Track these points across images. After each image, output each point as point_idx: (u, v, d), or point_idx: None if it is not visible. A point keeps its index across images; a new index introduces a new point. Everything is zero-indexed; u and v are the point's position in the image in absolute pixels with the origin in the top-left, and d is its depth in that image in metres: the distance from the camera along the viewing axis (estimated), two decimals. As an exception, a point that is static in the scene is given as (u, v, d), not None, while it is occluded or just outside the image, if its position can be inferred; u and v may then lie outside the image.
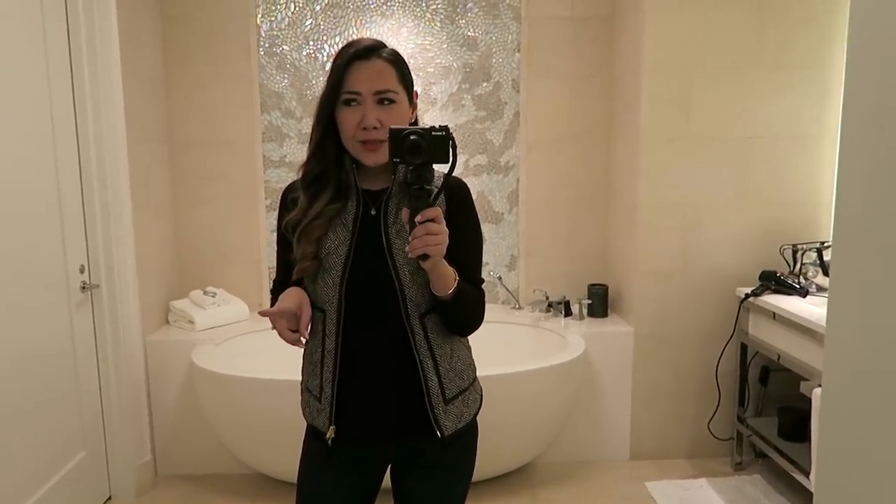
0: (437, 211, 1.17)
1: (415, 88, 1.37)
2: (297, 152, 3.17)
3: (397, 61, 1.31)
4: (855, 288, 0.70)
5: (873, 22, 0.68)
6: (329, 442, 1.33)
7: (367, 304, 1.31)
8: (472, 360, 1.45)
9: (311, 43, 3.11)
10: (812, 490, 2.31)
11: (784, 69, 2.80)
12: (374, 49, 1.29)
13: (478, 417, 1.43)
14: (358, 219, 1.31)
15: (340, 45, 3.08)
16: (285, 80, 3.14)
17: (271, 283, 1.50)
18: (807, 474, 2.37)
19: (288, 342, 1.30)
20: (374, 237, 1.30)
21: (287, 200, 1.39)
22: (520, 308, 3.28)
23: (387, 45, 1.32)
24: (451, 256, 1.22)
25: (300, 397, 1.45)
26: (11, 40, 2.15)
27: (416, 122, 1.36)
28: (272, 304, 1.40)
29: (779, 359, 2.56)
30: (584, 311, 3.13)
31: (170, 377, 2.86)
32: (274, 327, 1.29)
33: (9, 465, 2.11)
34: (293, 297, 1.31)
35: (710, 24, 2.76)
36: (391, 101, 1.29)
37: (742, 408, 2.88)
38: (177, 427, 2.89)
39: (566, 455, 3.00)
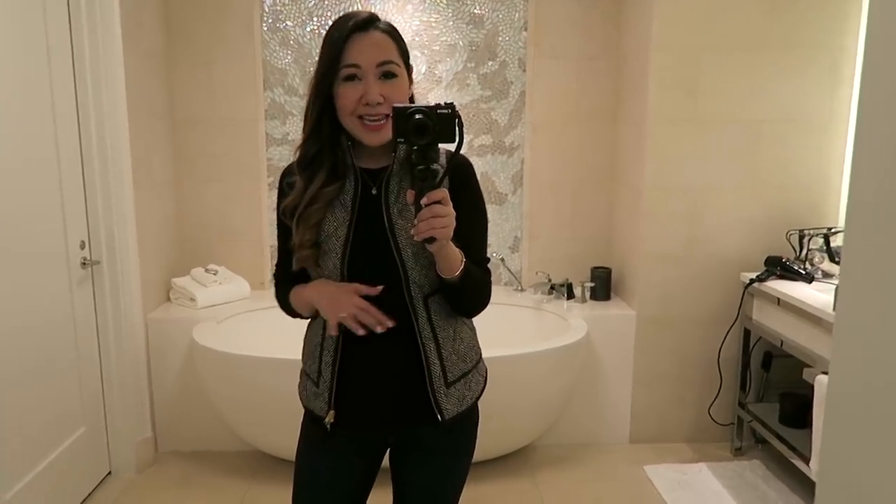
0: (444, 192, 1.14)
1: (410, 62, 1.33)
2: (300, 130, 3.13)
3: (395, 33, 1.28)
4: (867, 275, 0.68)
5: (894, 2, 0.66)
6: (328, 426, 1.32)
7: (368, 286, 1.28)
8: (477, 341, 1.42)
9: (314, 19, 3.07)
10: (812, 477, 2.31)
11: (794, 51, 2.75)
12: (371, 21, 1.24)
13: (479, 399, 1.41)
14: (357, 198, 1.27)
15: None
16: (288, 57, 3.10)
17: (273, 268, 1.47)
18: (807, 461, 2.36)
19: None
20: (375, 217, 1.26)
21: (283, 185, 1.35)
22: (522, 290, 3.26)
23: (380, 16, 1.28)
24: (455, 236, 1.19)
25: (298, 381, 1.43)
26: (10, 15, 2.11)
27: (413, 98, 1.32)
28: (277, 292, 1.41)
29: (782, 345, 2.54)
30: (587, 294, 3.11)
31: (171, 354, 2.86)
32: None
33: (9, 440, 2.11)
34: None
35: (719, 4, 2.70)
36: (393, 75, 1.24)
37: (743, 393, 2.87)
38: (177, 404, 2.90)
39: (566, 438, 3.01)
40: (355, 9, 3.03)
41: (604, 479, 2.76)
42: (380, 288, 1.25)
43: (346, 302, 1.24)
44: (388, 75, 1.24)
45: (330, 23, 3.09)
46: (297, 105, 3.13)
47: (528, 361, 2.64)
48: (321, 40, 1.27)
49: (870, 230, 0.67)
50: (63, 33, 2.39)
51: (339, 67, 1.23)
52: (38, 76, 2.26)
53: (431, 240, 1.15)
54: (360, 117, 1.24)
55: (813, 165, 2.84)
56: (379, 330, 1.24)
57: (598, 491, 2.67)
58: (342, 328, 1.26)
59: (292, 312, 1.40)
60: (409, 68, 1.30)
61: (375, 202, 1.28)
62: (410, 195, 1.15)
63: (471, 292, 1.30)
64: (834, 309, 2.25)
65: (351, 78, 1.23)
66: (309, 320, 1.41)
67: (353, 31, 1.22)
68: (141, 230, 2.75)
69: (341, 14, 1.29)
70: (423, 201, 1.13)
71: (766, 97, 2.79)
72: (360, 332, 1.24)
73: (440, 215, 1.13)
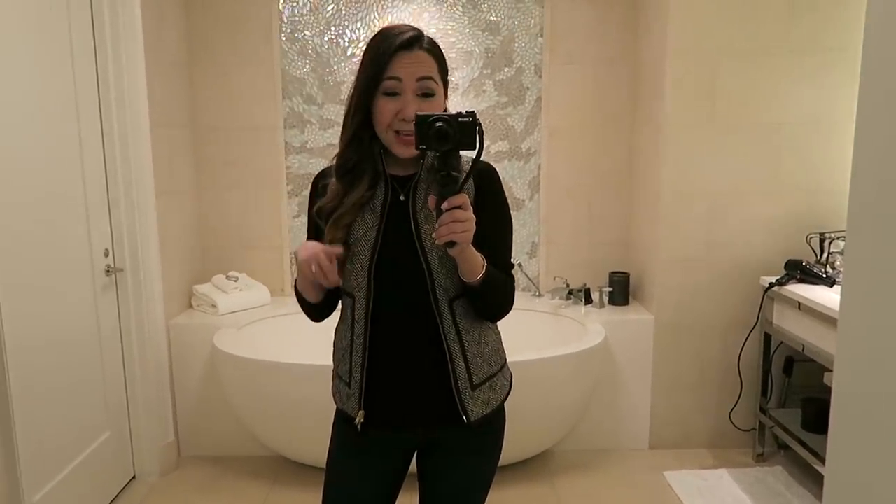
0: (464, 198, 1.16)
1: (448, 77, 1.36)
2: (319, 138, 3.17)
3: (438, 54, 1.32)
4: (869, 275, 0.68)
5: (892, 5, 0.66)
6: (358, 427, 1.34)
7: (395, 289, 1.31)
8: (502, 346, 1.44)
9: (332, 28, 3.11)
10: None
11: (815, 53, 2.73)
12: (417, 39, 1.28)
13: (505, 402, 1.43)
14: (386, 205, 1.31)
15: (362, 31, 3.10)
16: (307, 66, 3.14)
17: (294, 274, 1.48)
18: (830, 466, 2.33)
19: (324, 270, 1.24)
20: (403, 223, 1.30)
21: (318, 187, 1.39)
22: (540, 296, 3.26)
23: (424, 33, 1.31)
24: (479, 241, 1.21)
25: (331, 382, 1.45)
26: (36, 27, 2.17)
27: (445, 111, 1.35)
28: (296, 283, 1.37)
29: (803, 349, 2.52)
30: (605, 299, 3.10)
31: (192, 360, 2.90)
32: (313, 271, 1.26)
33: (36, 444, 2.15)
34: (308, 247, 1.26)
35: (737, 6, 2.69)
36: (431, 94, 1.28)
37: (765, 398, 2.84)
38: (199, 409, 2.94)
39: (585, 443, 3.00)
40: (373, 18, 3.06)
41: (623, 485, 2.74)
42: (340, 249, 1.27)
43: (310, 247, 1.24)
44: (427, 95, 1.28)
45: (348, 33, 3.14)
46: (315, 114, 3.17)
47: (546, 366, 2.63)
48: (339, 49, 1.30)
49: (869, 228, 0.67)
50: (87, 44, 2.45)
51: (380, 80, 1.26)
52: (63, 90, 2.32)
53: (452, 244, 1.17)
54: (397, 132, 1.28)
55: (833, 168, 2.81)
56: (325, 284, 1.25)
57: (617, 497, 2.66)
58: (368, 328, 1.30)
59: (302, 300, 1.38)
60: (446, 84, 1.34)
61: (403, 208, 1.31)
62: (432, 200, 1.18)
63: (492, 297, 1.32)
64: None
65: (390, 93, 1.27)
66: (337, 323, 1.42)
67: (398, 49, 1.25)
68: (163, 238, 2.80)
69: (385, 26, 1.32)
70: (444, 206, 1.16)
71: (786, 100, 2.76)
72: (311, 276, 1.24)
73: (460, 220, 1.15)
